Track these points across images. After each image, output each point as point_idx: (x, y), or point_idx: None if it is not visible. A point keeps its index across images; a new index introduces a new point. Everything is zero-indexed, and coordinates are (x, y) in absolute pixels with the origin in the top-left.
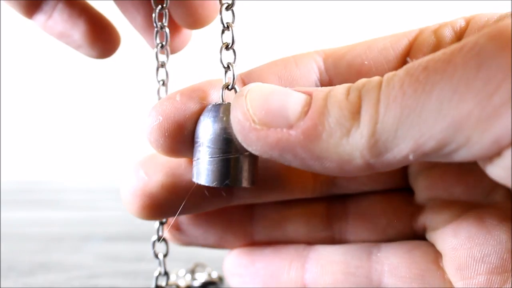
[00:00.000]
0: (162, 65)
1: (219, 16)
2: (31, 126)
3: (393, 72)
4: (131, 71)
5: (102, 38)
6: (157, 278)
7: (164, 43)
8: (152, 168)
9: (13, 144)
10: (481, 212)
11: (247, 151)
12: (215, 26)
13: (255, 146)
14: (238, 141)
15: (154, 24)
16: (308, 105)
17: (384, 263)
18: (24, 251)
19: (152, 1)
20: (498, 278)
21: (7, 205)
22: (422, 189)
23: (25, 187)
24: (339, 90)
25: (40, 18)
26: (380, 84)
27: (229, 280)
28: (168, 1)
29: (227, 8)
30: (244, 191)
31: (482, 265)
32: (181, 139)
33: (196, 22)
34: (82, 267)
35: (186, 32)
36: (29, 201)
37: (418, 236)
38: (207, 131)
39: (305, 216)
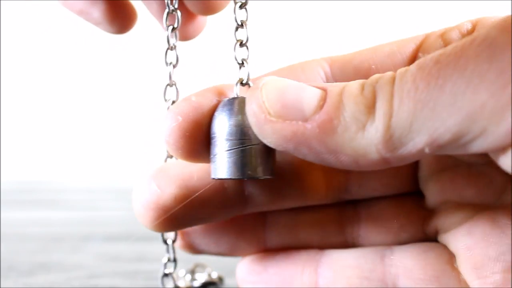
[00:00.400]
0: (172, 48)
1: (233, 14)
2: (31, 126)
3: (405, 68)
4: (131, 71)
5: (120, 16)
6: (165, 264)
7: (175, 26)
8: (164, 180)
9: (13, 144)
10: (494, 213)
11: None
12: (228, 22)
13: (270, 139)
14: (254, 132)
15: (166, 7)
16: (323, 99)
17: (398, 266)
18: (24, 251)
19: None
20: None
21: (7, 205)
22: (433, 193)
23: (25, 187)
24: (354, 85)
25: None
26: (393, 79)
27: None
28: None
29: (240, 7)
30: (258, 198)
31: (498, 263)
32: (200, 138)
33: (208, 8)
34: (82, 267)
35: (200, 20)
36: (29, 201)
37: (430, 239)
38: (223, 124)
39: (318, 222)
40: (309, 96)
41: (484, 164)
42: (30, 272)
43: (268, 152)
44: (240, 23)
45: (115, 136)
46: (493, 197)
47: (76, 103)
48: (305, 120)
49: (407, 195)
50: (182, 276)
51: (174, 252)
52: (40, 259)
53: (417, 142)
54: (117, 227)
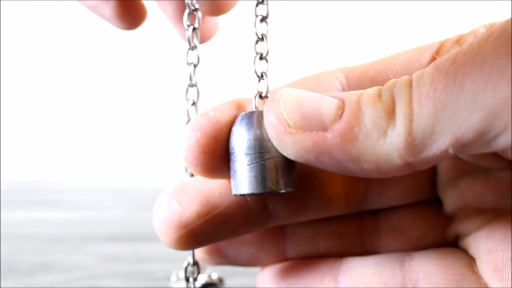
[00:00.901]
0: (193, 48)
1: (253, 28)
2: (31, 126)
3: (422, 70)
4: (132, 71)
5: (130, 13)
6: (186, 268)
7: (195, 26)
8: (186, 197)
9: (13, 144)
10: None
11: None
12: (248, 36)
13: (291, 151)
14: (273, 144)
15: (187, 7)
16: (342, 108)
17: (418, 271)
18: (24, 251)
19: None
20: None
21: (7, 205)
22: (452, 199)
23: (25, 187)
24: (371, 92)
25: None
26: (410, 83)
27: None
28: None
29: (261, 20)
30: (280, 212)
31: None
32: (219, 154)
33: (215, 9)
34: (82, 267)
35: (213, 22)
36: (29, 201)
37: (449, 244)
38: (242, 138)
39: (338, 233)
40: (327, 106)
41: (502, 169)
42: (30, 272)
43: (289, 164)
44: (260, 37)
45: (115, 136)
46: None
47: (76, 103)
48: (325, 129)
49: (425, 203)
50: (182, 276)
51: (194, 256)
52: (40, 259)
53: (440, 143)
54: (117, 227)
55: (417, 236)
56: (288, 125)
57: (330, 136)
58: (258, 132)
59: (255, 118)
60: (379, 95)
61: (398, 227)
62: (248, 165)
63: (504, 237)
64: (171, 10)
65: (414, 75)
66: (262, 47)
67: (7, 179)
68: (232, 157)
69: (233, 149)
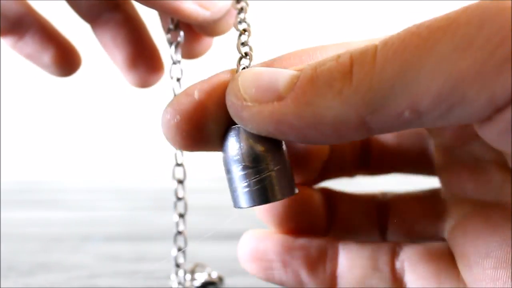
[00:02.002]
0: (175, 63)
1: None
2: (31, 126)
3: (391, 34)
4: None
5: (68, 61)
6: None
7: (178, 42)
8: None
9: (13, 144)
10: (489, 210)
11: (280, 163)
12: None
13: (250, 124)
14: (269, 155)
15: (170, 25)
16: (297, 77)
17: (405, 261)
18: (24, 251)
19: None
20: (503, 272)
21: (7, 205)
22: (444, 185)
23: (25, 187)
24: (328, 57)
25: (11, 38)
26: (374, 46)
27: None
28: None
29: (243, 45)
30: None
31: (488, 260)
32: (200, 139)
33: (213, 31)
34: (82, 267)
35: (206, 40)
36: (29, 201)
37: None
38: (235, 156)
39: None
40: (283, 77)
41: (489, 161)
42: (30, 272)
43: (287, 171)
44: (244, 54)
45: (115, 136)
46: (490, 195)
47: (76, 103)
48: (281, 99)
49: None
50: (182, 276)
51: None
52: (40, 259)
53: (398, 104)
54: (117, 227)
55: (413, 223)
56: (245, 99)
57: (285, 103)
58: (249, 144)
59: (242, 131)
60: (337, 57)
61: (402, 220)
62: (246, 182)
63: (475, 232)
64: (120, 58)
65: (380, 40)
66: (245, 62)
67: (7, 179)
68: (228, 176)
69: (228, 165)
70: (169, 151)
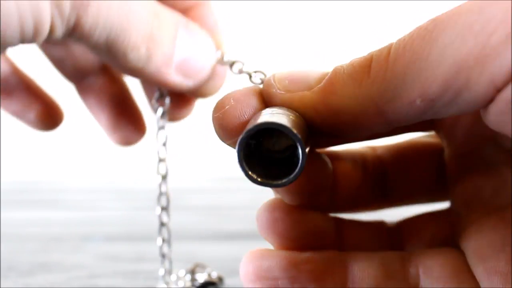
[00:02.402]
0: (161, 128)
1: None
2: None
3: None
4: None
5: (51, 117)
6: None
7: (164, 110)
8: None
9: (13, 144)
10: (504, 210)
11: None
12: None
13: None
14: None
15: (157, 92)
16: (327, 74)
17: (419, 266)
18: (24, 251)
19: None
20: None
21: (7, 205)
22: (457, 196)
23: (25, 187)
24: (355, 57)
25: None
26: (391, 44)
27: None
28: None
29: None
30: None
31: (501, 254)
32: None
33: (202, 92)
34: (82, 267)
35: (189, 103)
36: (29, 201)
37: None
38: None
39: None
40: (315, 73)
41: (502, 163)
42: (30, 272)
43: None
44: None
45: None
46: (507, 195)
47: (76, 103)
48: (310, 89)
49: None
50: (182, 276)
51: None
52: (40, 259)
53: (410, 93)
54: (117, 227)
55: (429, 238)
56: (278, 88)
57: (313, 91)
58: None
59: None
60: (361, 57)
61: (415, 228)
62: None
63: (492, 230)
64: (104, 119)
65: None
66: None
67: (7, 179)
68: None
69: None
70: (169, 151)
